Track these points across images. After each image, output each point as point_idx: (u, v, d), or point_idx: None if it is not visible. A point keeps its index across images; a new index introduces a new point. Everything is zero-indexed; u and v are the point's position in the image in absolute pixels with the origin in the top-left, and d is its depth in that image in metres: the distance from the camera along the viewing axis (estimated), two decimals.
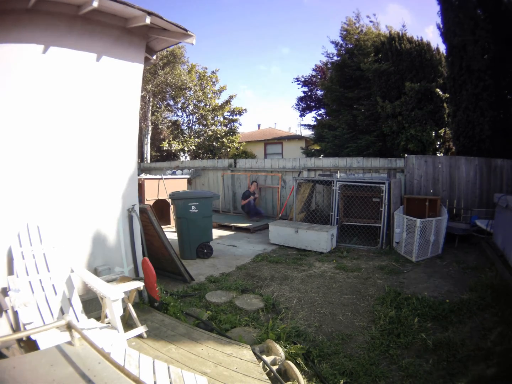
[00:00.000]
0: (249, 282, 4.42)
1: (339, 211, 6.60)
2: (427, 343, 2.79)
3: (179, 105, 16.56)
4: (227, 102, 16.38)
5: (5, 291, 2.48)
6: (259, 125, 24.52)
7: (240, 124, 18.68)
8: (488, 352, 2.63)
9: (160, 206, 8.24)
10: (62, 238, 3.00)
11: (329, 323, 3.30)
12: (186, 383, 1.78)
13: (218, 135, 15.89)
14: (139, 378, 1.04)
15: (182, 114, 16.94)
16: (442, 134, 10.23)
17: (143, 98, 13.89)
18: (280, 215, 8.89)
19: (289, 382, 2.27)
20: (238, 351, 2.50)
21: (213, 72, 16.55)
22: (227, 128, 16.52)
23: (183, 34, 3.50)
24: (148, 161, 14.91)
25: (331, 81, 12.64)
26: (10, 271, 2.59)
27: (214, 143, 15.91)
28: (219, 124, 16.59)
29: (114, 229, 3.42)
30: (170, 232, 7.31)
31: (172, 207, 7.63)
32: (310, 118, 23.96)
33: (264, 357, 2.42)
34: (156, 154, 17.03)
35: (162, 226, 4.32)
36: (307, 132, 18.34)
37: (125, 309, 2.81)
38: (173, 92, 15.67)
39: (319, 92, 17.03)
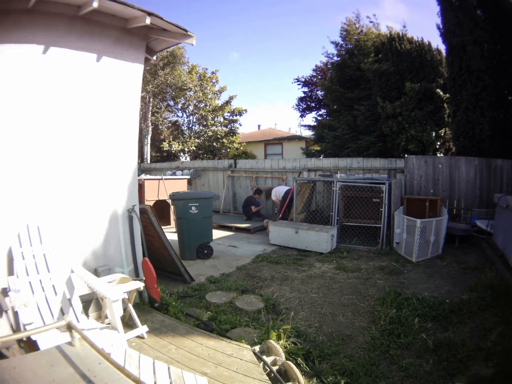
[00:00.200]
0: (249, 282, 4.42)
1: (339, 211, 6.60)
2: (428, 344, 2.79)
3: (179, 106, 16.58)
4: (227, 102, 16.39)
5: (5, 292, 2.48)
6: (259, 126, 24.58)
7: (240, 125, 18.69)
8: (488, 352, 2.63)
9: (160, 207, 8.24)
10: (62, 239, 3.00)
11: (329, 324, 3.30)
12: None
13: (218, 136, 15.89)
14: (139, 378, 1.04)
15: (182, 114, 16.98)
16: (442, 134, 10.23)
17: (143, 98, 13.90)
18: (280, 215, 8.88)
19: (290, 383, 2.27)
20: (238, 352, 2.50)
21: (213, 73, 16.57)
22: (227, 129, 16.53)
23: (183, 34, 3.50)
24: (148, 161, 14.92)
25: (331, 81, 12.65)
26: (10, 272, 2.59)
27: (214, 144, 15.91)
28: (219, 124, 16.59)
29: (114, 230, 3.42)
30: (170, 233, 7.31)
31: (172, 207, 7.63)
32: (310, 118, 23.97)
33: (264, 357, 2.42)
34: (156, 154, 17.03)
35: (162, 227, 4.32)
36: (307, 133, 18.38)
37: (125, 309, 2.82)
38: (173, 93, 15.69)
39: (319, 93, 17.05)
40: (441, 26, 8.24)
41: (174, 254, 4.22)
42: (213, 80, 16.52)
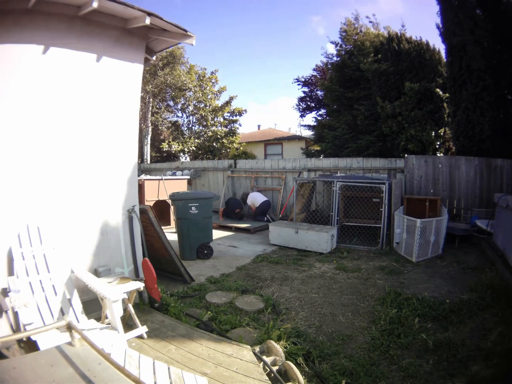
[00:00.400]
0: (249, 282, 4.42)
1: (339, 211, 6.60)
2: (428, 344, 2.79)
3: (179, 106, 16.58)
4: (227, 103, 16.39)
5: (5, 292, 2.48)
6: (259, 126, 24.59)
7: (240, 125, 18.67)
8: (488, 352, 2.63)
9: (160, 207, 8.24)
10: (62, 239, 3.00)
11: (329, 324, 3.30)
12: None
13: (218, 136, 15.89)
14: (139, 378, 1.04)
15: (182, 115, 16.98)
16: (442, 134, 10.24)
17: (143, 99, 13.91)
18: (280, 215, 8.90)
19: (290, 383, 2.27)
20: (238, 352, 2.50)
21: (212, 73, 16.56)
22: (227, 129, 16.53)
23: (183, 34, 3.50)
24: (148, 162, 14.92)
25: (331, 81, 12.65)
26: (10, 272, 2.59)
27: (214, 144, 15.91)
28: (219, 124, 16.59)
29: (114, 230, 3.42)
30: (170, 233, 7.31)
31: (172, 207, 7.64)
32: (310, 118, 24.02)
33: (264, 357, 2.42)
34: (156, 155, 17.03)
35: (162, 227, 4.32)
36: (307, 133, 18.39)
37: (125, 309, 2.81)
38: (173, 93, 15.69)
39: (319, 93, 17.05)
40: (440, 25, 8.25)
41: (174, 254, 4.22)
42: (213, 80, 16.52)
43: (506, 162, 6.67)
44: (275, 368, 2.35)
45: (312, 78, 17.86)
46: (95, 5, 2.78)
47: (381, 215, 6.11)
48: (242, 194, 9.70)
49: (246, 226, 7.98)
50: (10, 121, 2.73)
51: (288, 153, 17.06)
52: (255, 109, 53.47)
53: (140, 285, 2.82)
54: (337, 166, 8.60)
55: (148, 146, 15.18)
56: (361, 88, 11.58)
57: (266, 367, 2.34)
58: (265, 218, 8.68)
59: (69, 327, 1.18)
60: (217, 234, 7.27)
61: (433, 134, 9.72)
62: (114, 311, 2.34)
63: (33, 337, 2.07)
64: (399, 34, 10.73)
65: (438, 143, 10.32)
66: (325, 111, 15.55)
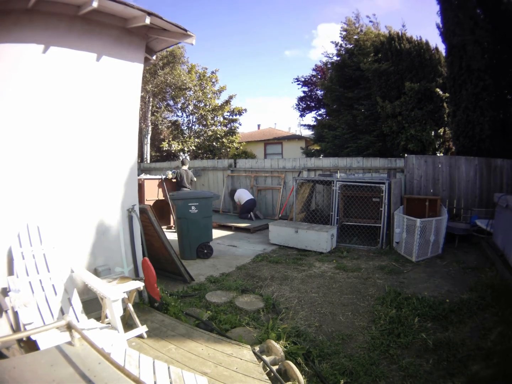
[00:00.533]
0: (249, 282, 4.42)
1: (339, 211, 6.60)
2: (427, 343, 2.79)
3: (179, 105, 16.54)
4: (227, 102, 16.36)
5: (5, 292, 2.48)
6: (259, 125, 24.56)
7: (240, 124, 18.65)
8: (488, 352, 2.63)
9: (160, 206, 8.23)
10: (62, 239, 3.00)
11: (329, 323, 3.30)
12: (186, 383, 1.78)
13: (218, 135, 15.88)
14: (139, 378, 1.04)
15: (182, 114, 16.94)
16: (442, 134, 10.23)
17: (142, 98, 13.89)
18: (280, 215, 8.90)
19: (289, 382, 2.27)
20: (238, 351, 2.50)
21: (212, 72, 16.53)
22: (227, 128, 16.50)
23: (183, 34, 3.50)
24: (148, 161, 14.91)
25: (331, 81, 12.64)
26: (10, 272, 2.59)
27: (214, 143, 15.90)
28: (219, 124, 16.57)
29: (114, 230, 3.42)
30: (170, 232, 7.31)
31: (172, 207, 7.63)
32: (310, 118, 24.03)
33: (264, 357, 2.42)
34: (156, 154, 17.02)
35: (162, 227, 4.32)
36: (307, 132, 18.36)
37: (125, 309, 2.81)
38: (173, 92, 15.66)
39: (319, 92, 17.04)
40: (440, 25, 8.23)
41: (174, 253, 4.22)
42: (213, 80, 16.50)
43: (506, 162, 6.67)
44: (275, 368, 2.35)
45: (312, 78, 17.86)
46: (95, 4, 2.77)
47: (381, 215, 6.11)
48: (230, 191, 9.88)
49: (246, 226, 7.97)
50: (10, 121, 2.73)
51: (288, 152, 17.05)
52: (255, 109, 53.49)
53: (140, 284, 2.82)
54: (337, 165, 8.59)
55: (148, 145, 15.17)
56: (361, 88, 11.57)
57: (266, 367, 2.34)
58: (249, 216, 8.79)
59: (69, 327, 1.18)
60: (217, 233, 7.27)
61: (433, 134, 9.71)
62: (114, 310, 2.34)
63: (33, 337, 2.07)
64: (400, 34, 10.72)
65: (438, 143, 10.31)
66: (325, 110, 15.53)
